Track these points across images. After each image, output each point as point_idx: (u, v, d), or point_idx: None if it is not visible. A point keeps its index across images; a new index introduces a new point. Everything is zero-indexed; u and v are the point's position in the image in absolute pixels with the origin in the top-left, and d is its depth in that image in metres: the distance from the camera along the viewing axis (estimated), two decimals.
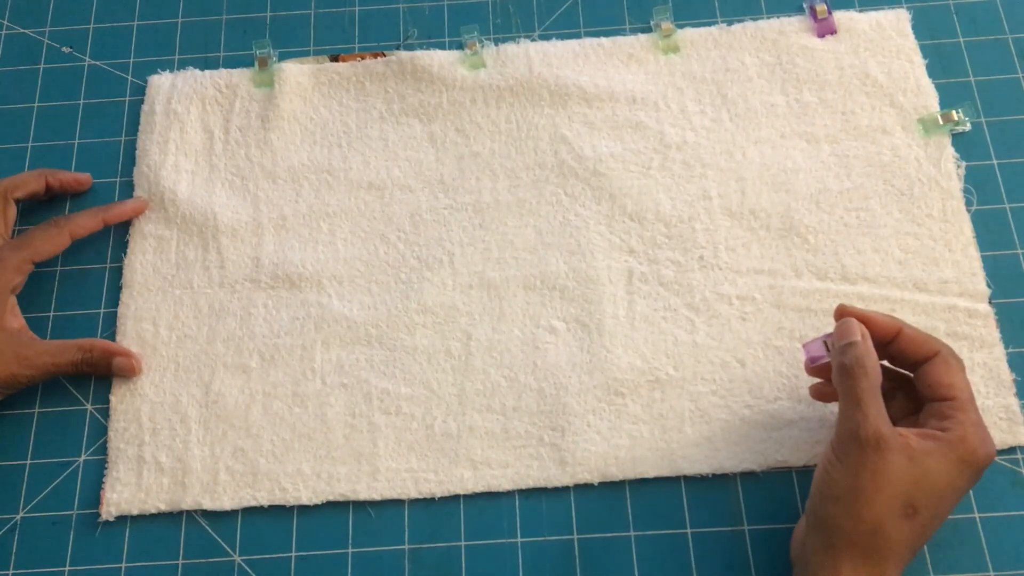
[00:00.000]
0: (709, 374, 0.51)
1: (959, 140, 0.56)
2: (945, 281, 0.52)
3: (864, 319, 0.43)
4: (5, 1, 0.64)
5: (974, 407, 0.42)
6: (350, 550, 0.48)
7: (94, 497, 0.50)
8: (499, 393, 0.51)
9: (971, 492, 0.48)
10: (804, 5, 0.60)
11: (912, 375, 0.44)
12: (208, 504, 0.49)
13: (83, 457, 0.51)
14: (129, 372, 0.51)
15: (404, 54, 0.59)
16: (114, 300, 0.54)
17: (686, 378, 0.51)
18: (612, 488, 0.49)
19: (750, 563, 0.47)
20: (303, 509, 0.49)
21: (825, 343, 0.44)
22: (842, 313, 0.44)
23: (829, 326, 0.51)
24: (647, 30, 0.60)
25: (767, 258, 0.53)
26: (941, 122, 0.55)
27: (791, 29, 0.59)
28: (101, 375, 0.52)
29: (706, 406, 0.50)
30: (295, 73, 0.59)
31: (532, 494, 0.49)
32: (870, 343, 0.41)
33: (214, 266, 0.55)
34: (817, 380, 0.47)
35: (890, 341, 0.43)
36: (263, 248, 0.55)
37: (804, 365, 0.47)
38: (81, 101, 0.60)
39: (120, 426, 0.51)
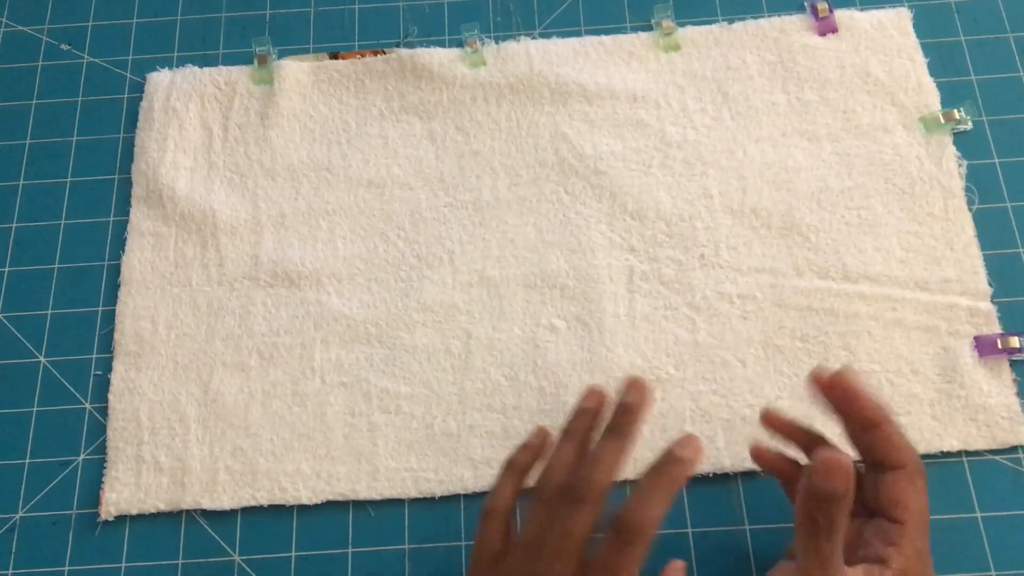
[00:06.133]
0: (710, 373, 0.51)
1: (960, 139, 0.56)
2: (947, 280, 0.52)
3: (853, 396, 0.40)
4: None
5: (921, 533, 0.39)
6: (350, 550, 0.48)
7: (93, 497, 0.50)
8: (499, 392, 0.51)
9: (972, 492, 0.48)
10: (805, 3, 0.60)
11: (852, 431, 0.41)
12: (207, 504, 0.49)
13: (82, 456, 0.51)
14: None
15: (404, 52, 0.59)
16: (112, 298, 0.54)
17: (687, 377, 0.51)
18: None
19: (750, 563, 0.47)
20: (303, 509, 0.49)
21: None
22: (842, 389, 0.40)
23: (830, 325, 0.51)
24: (648, 28, 0.60)
25: (768, 257, 0.53)
26: (943, 121, 0.55)
27: (792, 27, 0.59)
28: None
29: (707, 405, 0.50)
30: (294, 70, 0.59)
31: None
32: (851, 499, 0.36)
33: (213, 264, 0.54)
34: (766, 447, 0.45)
35: (866, 429, 0.40)
36: (262, 246, 0.55)
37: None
38: (80, 98, 0.60)
39: (119, 425, 0.51)
